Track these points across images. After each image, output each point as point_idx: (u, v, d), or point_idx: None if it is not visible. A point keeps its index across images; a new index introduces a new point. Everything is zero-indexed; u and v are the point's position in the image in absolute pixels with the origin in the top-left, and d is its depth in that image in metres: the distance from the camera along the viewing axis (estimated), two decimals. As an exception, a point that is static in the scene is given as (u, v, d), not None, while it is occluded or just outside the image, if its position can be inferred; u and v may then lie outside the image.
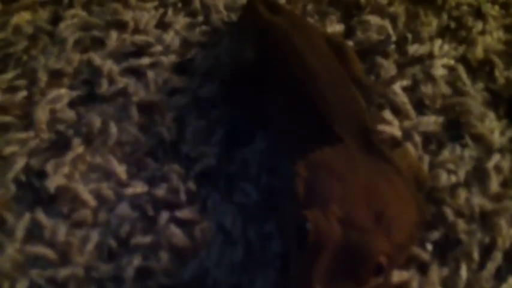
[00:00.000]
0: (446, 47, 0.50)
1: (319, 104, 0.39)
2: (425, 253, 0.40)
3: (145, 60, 0.49)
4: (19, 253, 0.40)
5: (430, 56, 0.50)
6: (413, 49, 0.50)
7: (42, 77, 0.48)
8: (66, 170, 0.43)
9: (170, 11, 0.53)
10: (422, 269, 0.39)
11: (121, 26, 0.52)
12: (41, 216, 0.41)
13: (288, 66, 0.42)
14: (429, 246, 0.40)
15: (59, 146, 0.45)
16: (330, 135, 0.38)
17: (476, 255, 0.40)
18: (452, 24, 0.53)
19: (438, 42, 0.50)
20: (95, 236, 0.41)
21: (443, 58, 0.50)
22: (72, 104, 0.47)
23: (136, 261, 0.40)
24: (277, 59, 0.43)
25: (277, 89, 0.42)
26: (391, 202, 0.35)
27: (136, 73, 0.49)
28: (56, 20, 0.53)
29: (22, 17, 0.52)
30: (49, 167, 0.43)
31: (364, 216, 0.34)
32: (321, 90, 0.40)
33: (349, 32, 0.52)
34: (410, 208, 0.35)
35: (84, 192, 0.42)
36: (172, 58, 0.49)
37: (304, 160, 0.36)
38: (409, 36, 0.51)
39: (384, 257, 0.33)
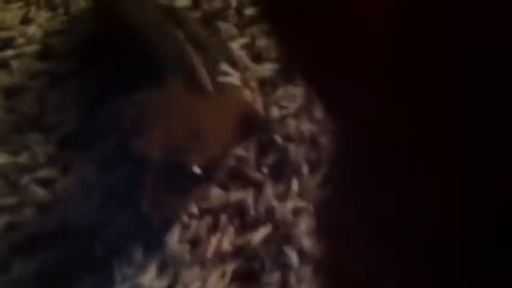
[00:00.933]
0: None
1: (147, 54, 0.45)
2: (260, 175, 0.45)
3: (10, 52, 0.54)
4: None
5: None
6: (249, 11, 0.56)
7: None
8: None
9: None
10: (257, 188, 0.45)
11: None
12: None
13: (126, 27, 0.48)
14: (265, 170, 0.45)
15: None
16: (156, 78, 0.44)
17: (305, 170, 0.45)
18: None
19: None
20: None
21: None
22: None
23: (4, 219, 0.44)
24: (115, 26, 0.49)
25: (115, 49, 0.48)
26: (205, 124, 0.40)
27: (3, 65, 0.54)
28: None
29: None
30: None
31: (180, 137, 0.39)
32: (150, 42, 0.46)
33: (195, 5, 0.58)
34: (224, 128, 0.41)
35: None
36: (35, 47, 0.54)
37: (130, 101, 0.42)
38: (246, 1, 0.57)
39: (198, 167, 0.38)
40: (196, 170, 0.38)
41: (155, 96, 0.42)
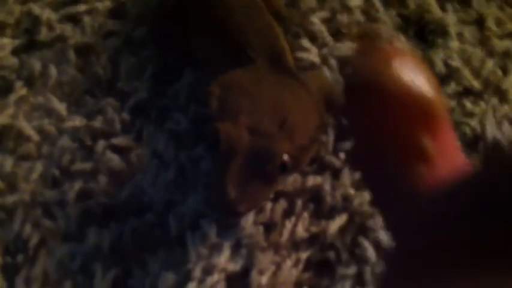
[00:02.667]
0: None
1: (234, 34, 0.43)
2: (338, 160, 0.44)
3: (82, 7, 0.53)
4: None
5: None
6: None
7: (-15, 28, 0.51)
8: (10, 110, 0.47)
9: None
10: (336, 175, 0.44)
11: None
12: (-11, 152, 0.45)
13: (207, 5, 0.46)
14: (342, 155, 0.44)
15: (3, 89, 0.48)
16: (243, 59, 0.42)
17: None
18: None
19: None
20: (39, 166, 0.45)
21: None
22: (14, 52, 0.50)
23: (78, 185, 0.44)
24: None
25: (199, 27, 0.46)
26: (293, 111, 0.39)
27: (74, 20, 0.52)
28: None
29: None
30: (-6, 108, 0.47)
31: (268, 124, 0.38)
32: (237, 22, 0.44)
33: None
34: (312, 115, 0.40)
35: (28, 128, 0.46)
36: (107, 4, 0.53)
37: (217, 81, 0.40)
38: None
39: (287, 156, 0.37)
40: (285, 158, 0.37)
41: (243, 77, 0.41)
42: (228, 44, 0.44)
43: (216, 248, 0.41)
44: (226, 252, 0.41)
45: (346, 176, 0.43)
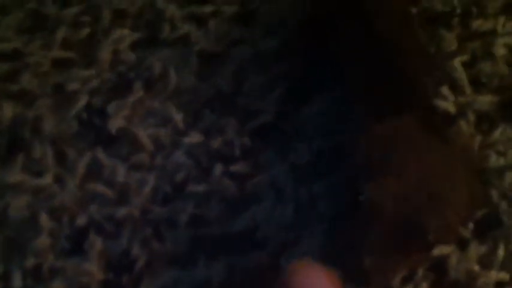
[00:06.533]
0: (509, 25, 0.50)
1: (390, 66, 0.40)
2: (466, 230, 0.41)
3: (208, 8, 0.49)
4: (79, 189, 0.42)
5: (493, 32, 0.49)
6: (476, 24, 0.49)
7: (106, 15, 0.48)
8: (126, 112, 0.45)
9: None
10: (462, 245, 0.41)
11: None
12: (101, 155, 0.43)
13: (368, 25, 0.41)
14: (471, 225, 0.42)
15: (120, 87, 0.46)
16: (395, 108, 0.39)
17: (515, 237, 0.41)
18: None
19: (502, 19, 0.50)
20: (151, 179, 0.43)
21: (505, 36, 0.49)
22: (133, 46, 0.48)
23: (190, 207, 0.42)
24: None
25: (351, 50, 0.42)
26: (446, 183, 0.36)
27: (198, 20, 0.49)
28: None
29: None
30: (110, 107, 0.45)
31: (418, 193, 0.35)
32: (395, 53, 0.40)
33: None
34: (464, 190, 0.37)
35: (143, 136, 0.44)
36: (235, 8, 0.49)
37: (372, 130, 0.37)
38: (474, 10, 0.50)
39: (434, 235, 0.34)
40: (432, 236, 0.34)
41: (395, 131, 0.37)
42: (378, 76, 0.40)
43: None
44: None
45: (473, 250, 0.41)
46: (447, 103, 0.46)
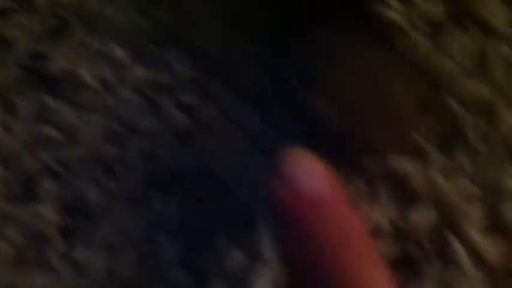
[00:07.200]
0: None
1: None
2: (426, 142, 0.40)
3: None
4: (28, 134, 0.41)
5: None
6: None
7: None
8: (68, 54, 0.43)
9: None
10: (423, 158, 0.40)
11: None
12: (47, 98, 0.42)
13: None
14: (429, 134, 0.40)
15: (61, 31, 0.44)
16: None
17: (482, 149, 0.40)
18: None
19: None
20: (100, 119, 0.41)
21: None
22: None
23: (142, 144, 0.41)
24: None
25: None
26: (392, 87, 0.35)
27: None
28: None
29: None
30: (52, 51, 0.43)
31: (365, 101, 0.34)
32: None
33: None
34: (412, 93, 0.35)
35: (88, 76, 0.42)
36: None
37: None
38: None
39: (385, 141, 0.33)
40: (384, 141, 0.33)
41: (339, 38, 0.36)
42: None
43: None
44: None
45: (435, 161, 0.39)
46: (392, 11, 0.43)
